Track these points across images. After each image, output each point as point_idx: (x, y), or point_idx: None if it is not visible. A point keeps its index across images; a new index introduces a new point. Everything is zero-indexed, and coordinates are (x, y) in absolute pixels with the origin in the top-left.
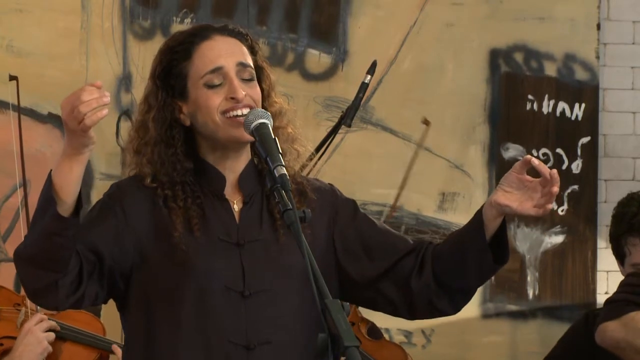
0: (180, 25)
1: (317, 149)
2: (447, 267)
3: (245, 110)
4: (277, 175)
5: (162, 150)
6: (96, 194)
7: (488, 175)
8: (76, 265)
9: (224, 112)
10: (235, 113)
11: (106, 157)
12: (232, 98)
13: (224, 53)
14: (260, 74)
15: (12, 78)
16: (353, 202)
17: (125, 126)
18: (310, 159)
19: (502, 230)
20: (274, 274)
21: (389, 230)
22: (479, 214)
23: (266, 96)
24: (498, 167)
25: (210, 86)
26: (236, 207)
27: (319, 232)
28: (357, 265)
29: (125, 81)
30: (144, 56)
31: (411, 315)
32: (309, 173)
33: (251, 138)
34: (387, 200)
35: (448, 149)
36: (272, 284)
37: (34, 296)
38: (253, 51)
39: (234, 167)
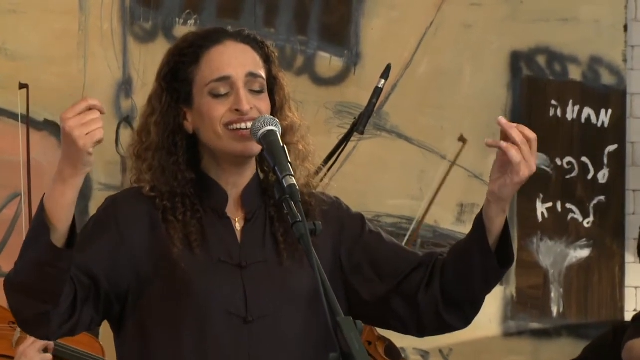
0: (184, 27)
1: (328, 158)
2: (452, 276)
3: (250, 124)
4: (286, 186)
5: (163, 157)
6: (94, 206)
7: None
8: (70, 294)
9: (227, 124)
10: (238, 126)
11: (105, 167)
12: (237, 110)
13: (234, 61)
14: (273, 85)
15: (23, 86)
16: (360, 216)
17: (125, 134)
18: (317, 173)
19: (505, 232)
20: (278, 297)
21: (397, 244)
22: (479, 218)
23: (278, 109)
24: None
25: (215, 95)
26: (238, 225)
27: (324, 250)
28: (365, 283)
29: (125, 86)
30: (145, 60)
31: (420, 332)
32: (317, 185)
33: (254, 152)
34: (402, 212)
35: (466, 157)
36: (275, 309)
37: (24, 325)
38: (268, 60)
39: (237, 182)
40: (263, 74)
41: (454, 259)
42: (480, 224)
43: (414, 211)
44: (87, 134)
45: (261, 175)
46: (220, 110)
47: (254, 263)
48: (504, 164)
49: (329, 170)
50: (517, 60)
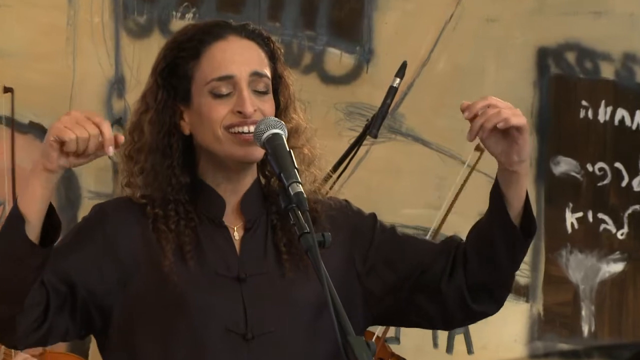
0: (181, 22)
1: (338, 163)
2: (476, 260)
3: (253, 128)
4: (292, 194)
5: (157, 160)
6: (84, 215)
7: (536, 194)
8: (41, 302)
9: (227, 127)
10: (240, 129)
11: (96, 173)
12: (239, 112)
13: (237, 59)
14: (278, 84)
15: (7, 90)
16: (371, 216)
17: None
18: (326, 180)
19: (525, 203)
20: (280, 312)
21: (412, 238)
22: (493, 190)
23: (282, 110)
24: (548, 185)
25: (216, 95)
26: (236, 234)
27: (334, 259)
28: (383, 284)
29: (117, 85)
30: (139, 56)
31: (447, 325)
32: (327, 192)
33: (256, 158)
34: (419, 222)
35: (489, 163)
36: (278, 325)
37: None
38: (273, 57)
39: (235, 189)
40: (268, 73)
41: (475, 240)
42: (496, 196)
43: (431, 221)
44: (64, 129)
45: (262, 181)
46: (221, 111)
47: (254, 275)
48: (497, 137)
49: (339, 176)
50: (545, 57)
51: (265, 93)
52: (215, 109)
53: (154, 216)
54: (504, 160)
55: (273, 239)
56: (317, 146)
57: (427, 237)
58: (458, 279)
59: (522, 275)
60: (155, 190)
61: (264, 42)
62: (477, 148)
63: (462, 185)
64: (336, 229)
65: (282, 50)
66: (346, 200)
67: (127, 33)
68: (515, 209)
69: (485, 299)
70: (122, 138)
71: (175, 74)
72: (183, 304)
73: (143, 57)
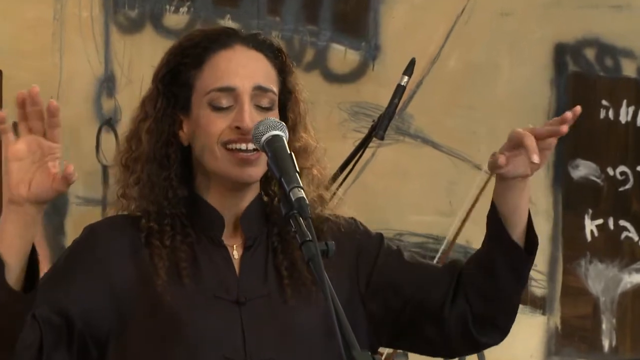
0: (175, 16)
1: (342, 167)
2: (477, 291)
3: (252, 146)
4: (293, 199)
5: (153, 171)
6: (71, 223)
7: (553, 199)
8: (34, 342)
9: (225, 143)
10: (237, 146)
11: (84, 178)
12: (237, 128)
13: (241, 71)
14: (287, 100)
15: None
16: (378, 237)
17: (107, 139)
18: (330, 185)
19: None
20: (280, 340)
21: (418, 262)
22: (491, 213)
23: (291, 128)
24: (566, 190)
25: (216, 107)
26: (236, 253)
27: (339, 282)
28: (385, 307)
29: (107, 84)
30: (130, 53)
31: (450, 352)
32: (330, 198)
33: (253, 179)
34: (428, 229)
35: None
36: (279, 353)
37: None
38: (283, 71)
39: (235, 206)
40: (274, 88)
41: (475, 272)
42: (493, 218)
43: (442, 229)
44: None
45: (265, 199)
46: (219, 125)
47: (254, 299)
48: (516, 159)
49: (343, 181)
50: (562, 53)
51: (268, 109)
52: (213, 122)
53: (148, 230)
54: (512, 173)
55: (274, 261)
56: (327, 167)
57: (442, 248)
58: (460, 307)
59: (539, 287)
60: (151, 203)
61: (273, 55)
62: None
63: (481, 191)
64: (341, 251)
65: (295, 64)
66: (353, 219)
67: (117, 28)
68: (518, 224)
69: (489, 328)
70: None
71: (177, 82)
72: (178, 328)
73: (134, 53)
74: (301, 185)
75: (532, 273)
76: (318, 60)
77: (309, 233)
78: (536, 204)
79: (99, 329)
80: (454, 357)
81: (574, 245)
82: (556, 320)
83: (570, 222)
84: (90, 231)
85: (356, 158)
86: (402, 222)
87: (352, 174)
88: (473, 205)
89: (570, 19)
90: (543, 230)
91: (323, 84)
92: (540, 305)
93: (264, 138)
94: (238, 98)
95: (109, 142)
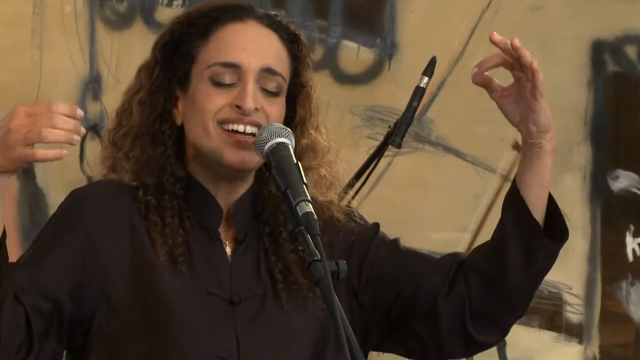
0: (168, 9)
1: (355, 178)
2: (481, 270)
3: (250, 129)
4: (300, 214)
5: (147, 146)
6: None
7: (590, 214)
8: (20, 327)
9: (221, 122)
10: (235, 127)
11: (66, 189)
12: (238, 107)
13: (250, 47)
14: (299, 93)
15: None
16: (373, 228)
17: (93, 147)
18: (341, 198)
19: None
20: (275, 341)
21: (414, 251)
22: (511, 188)
23: (299, 123)
24: (605, 204)
25: (217, 83)
26: (228, 248)
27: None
28: (377, 300)
29: (92, 85)
30: (119, 51)
31: (441, 352)
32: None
33: (250, 166)
34: (452, 249)
35: None
36: (274, 355)
37: None
38: (297, 59)
39: (228, 196)
40: (285, 73)
41: (482, 248)
42: (512, 190)
43: (467, 248)
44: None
45: (255, 187)
46: (217, 102)
47: (247, 298)
48: (511, 96)
49: (356, 194)
50: (600, 51)
51: (275, 95)
52: (211, 98)
53: (146, 204)
54: (524, 131)
55: (266, 263)
56: (340, 170)
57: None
58: (457, 297)
59: (574, 312)
60: (148, 176)
61: (289, 38)
62: (515, 146)
63: (496, 195)
64: (336, 241)
65: (311, 56)
66: (350, 208)
67: (104, 23)
68: (537, 200)
69: (487, 323)
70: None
71: (178, 52)
72: (170, 320)
73: (123, 51)
74: (309, 198)
75: (567, 297)
76: (328, 59)
77: (317, 252)
78: (571, 219)
79: (87, 308)
80: (444, 359)
81: (614, 265)
82: (594, 349)
83: (610, 240)
84: (80, 198)
85: (370, 168)
86: (422, 240)
87: (366, 186)
88: (487, 213)
89: (609, 13)
90: (579, 248)
91: (333, 86)
92: (576, 332)
93: (267, 145)
94: (242, 76)
95: (94, 151)
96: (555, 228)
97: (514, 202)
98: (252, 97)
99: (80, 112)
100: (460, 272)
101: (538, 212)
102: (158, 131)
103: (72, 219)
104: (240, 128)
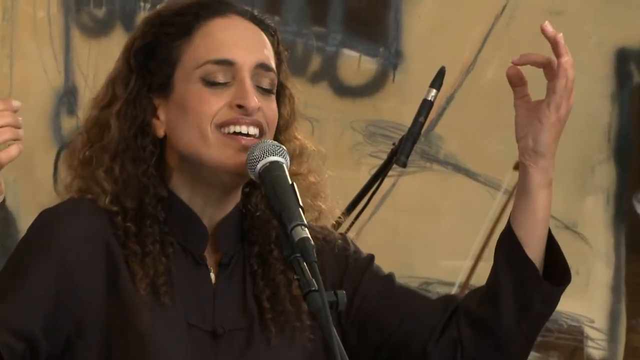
0: None
1: (357, 200)
2: (474, 310)
3: (253, 130)
4: (295, 240)
5: (128, 164)
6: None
7: (614, 239)
8: None
9: (220, 125)
10: (238, 129)
11: (39, 210)
12: (239, 106)
13: (241, 43)
14: (280, 95)
15: None
16: (367, 259)
17: None
18: (340, 222)
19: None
20: None
21: (408, 289)
22: (506, 229)
23: (283, 127)
24: (630, 229)
25: (210, 83)
26: (212, 274)
27: None
28: (365, 339)
29: (67, 97)
30: (96, 60)
31: None
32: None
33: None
34: (463, 277)
35: (553, 199)
36: None
37: None
38: (278, 58)
39: (214, 214)
40: (275, 69)
41: (474, 294)
42: (506, 231)
43: (479, 277)
44: None
45: (241, 206)
46: (213, 104)
47: (232, 331)
48: (531, 110)
49: (357, 217)
50: (626, 60)
51: (269, 92)
52: (206, 99)
53: (125, 230)
54: (520, 147)
55: (253, 289)
56: (325, 174)
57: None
58: (448, 343)
59: (597, 347)
60: (128, 199)
61: (270, 33)
62: (517, 167)
63: (498, 218)
64: (327, 269)
65: (287, 53)
66: (343, 235)
67: (80, 30)
68: (532, 239)
69: None
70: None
71: (155, 56)
72: (147, 354)
73: (101, 61)
74: (305, 222)
75: (588, 331)
76: (326, 69)
77: (314, 281)
78: (593, 245)
79: (60, 342)
80: None
81: (638, 296)
82: None
83: (635, 269)
84: (53, 218)
85: (373, 190)
86: (430, 268)
87: (368, 208)
88: (489, 237)
89: (635, 18)
90: (602, 277)
91: (332, 98)
92: None
93: (260, 165)
94: (237, 74)
95: None
96: (556, 270)
97: (507, 240)
98: (253, 94)
99: (16, 104)
100: (453, 317)
101: (534, 252)
102: (139, 147)
103: (43, 243)
104: (243, 129)
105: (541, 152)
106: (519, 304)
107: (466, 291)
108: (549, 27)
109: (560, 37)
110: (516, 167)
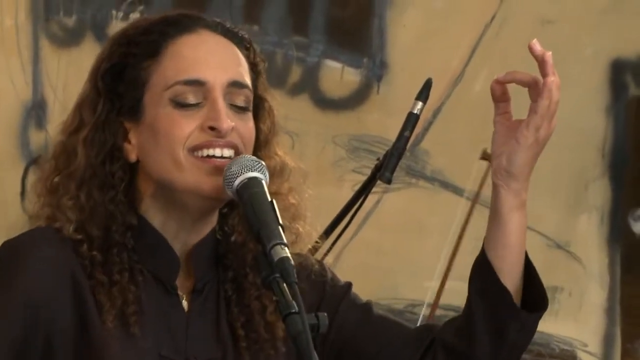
0: (123, 24)
1: (339, 218)
2: (449, 342)
3: (228, 152)
4: (275, 260)
5: (94, 192)
6: None
7: (609, 259)
8: None
9: (193, 149)
10: (211, 152)
11: (7, 232)
12: (212, 128)
13: (212, 60)
14: (259, 109)
15: None
16: (344, 287)
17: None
18: (320, 243)
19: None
20: None
21: (385, 319)
22: (479, 255)
23: (263, 143)
24: (625, 248)
25: (181, 104)
26: (185, 301)
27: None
28: None
29: (36, 110)
30: (67, 71)
31: None
32: (323, 257)
33: (229, 195)
34: (449, 299)
35: (545, 217)
36: None
37: None
38: (255, 69)
39: (187, 240)
40: (250, 85)
41: (449, 325)
42: (479, 257)
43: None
44: None
45: (218, 235)
46: (185, 127)
47: None
48: (510, 129)
49: (338, 237)
50: (621, 71)
51: (244, 110)
52: (177, 122)
53: (91, 260)
54: (494, 166)
55: (227, 316)
56: (307, 194)
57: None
58: None
59: None
60: (94, 227)
61: (244, 46)
62: (484, 156)
63: (466, 221)
64: (304, 299)
65: (265, 64)
66: (320, 263)
67: (50, 40)
68: (506, 264)
69: None
70: None
71: (123, 78)
72: None
73: (72, 72)
74: (284, 241)
75: (582, 355)
76: (307, 81)
77: (294, 303)
78: (586, 266)
79: None
80: None
81: (635, 319)
82: None
83: (631, 291)
84: (11, 255)
85: (355, 207)
86: (415, 290)
87: (351, 227)
88: (450, 264)
89: (631, 28)
90: (596, 299)
91: (313, 111)
92: None
93: (238, 181)
94: (209, 94)
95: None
96: (532, 295)
97: (480, 266)
98: (225, 115)
99: None
100: (431, 347)
101: (510, 277)
102: (108, 173)
103: (5, 282)
104: (217, 152)
105: (514, 174)
106: (493, 333)
107: (435, 311)
108: (537, 46)
109: (548, 56)
110: (483, 157)
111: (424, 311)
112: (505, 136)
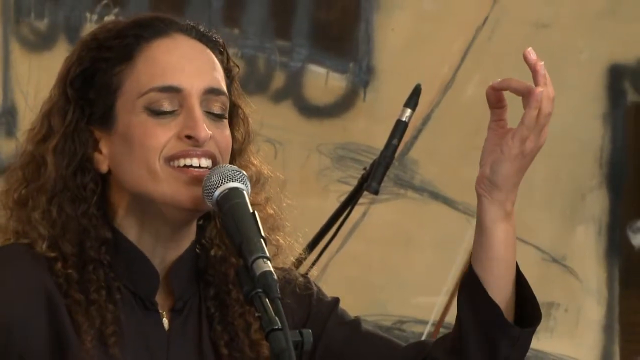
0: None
1: (324, 231)
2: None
3: (205, 162)
4: (257, 274)
5: (66, 205)
6: None
7: (607, 274)
8: None
9: (169, 159)
10: (188, 162)
11: None
12: (189, 137)
13: (188, 67)
14: (233, 116)
15: None
16: (332, 303)
17: None
18: (303, 257)
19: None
20: None
21: (375, 335)
22: (469, 268)
23: (238, 152)
24: (623, 262)
25: (155, 112)
26: (165, 320)
27: None
28: None
29: (6, 117)
30: (38, 76)
31: None
32: (308, 271)
33: (207, 207)
34: (439, 315)
35: (539, 229)
36: None
37: None
38: (229, 76)
39: (165, 255)
40: (226, 91)
41: (441, 343)
42: (468, 271)
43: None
44: None
45: (197, 246)
46: (160, 136)
47: None
48: (500, 137)
49: (323, 250)
50: (619, 77)
51: (221, 117)
52: (152, 131)
53: (66, 278)
54: (479, 173)
55: (209, 334)
56: (284, 204)
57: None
58: None
59: None
60: (67, 244)
61: (218, 50)
62: None
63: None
64: (289, 314)
65: (239, 69)
66: (305, 277)
67: (20, 44)
68: (494, 279)
69: None
70: None
71: (94, 84)
72: None
73: (43, 77)
74: (267, 255)
75: None
76: (290, 87)
77: (277, 319)
78: (583, 280)
79: None
80: None
81: (634, 335)
82: None
83: (630, 306)
84: None
85: (341, 219)
86: (404, 306)
87: (336, 240)
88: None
89: (629, 32)
90: (593, 315)
91: (297, 119)
92: None
93: (218, 191)
94: (185, 102)
95: None
96: (526, 311)
97: (468, 281)
98: (203, 123)
99: None
100: None
101: (499, 292)
102: (79, 185)
103: None
104: (195, 162)
105: (496, 184)
106: (485, 350)
107: (440, 330)
108: (531, 55)
109: (540, 66)
110: None
111: (428, 329)
112: (494, 144)
